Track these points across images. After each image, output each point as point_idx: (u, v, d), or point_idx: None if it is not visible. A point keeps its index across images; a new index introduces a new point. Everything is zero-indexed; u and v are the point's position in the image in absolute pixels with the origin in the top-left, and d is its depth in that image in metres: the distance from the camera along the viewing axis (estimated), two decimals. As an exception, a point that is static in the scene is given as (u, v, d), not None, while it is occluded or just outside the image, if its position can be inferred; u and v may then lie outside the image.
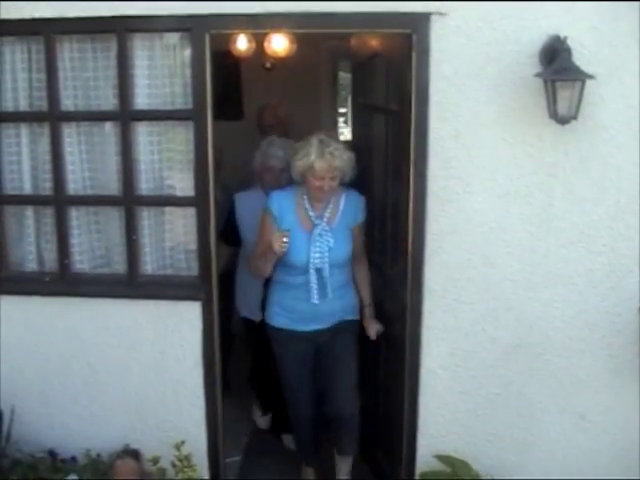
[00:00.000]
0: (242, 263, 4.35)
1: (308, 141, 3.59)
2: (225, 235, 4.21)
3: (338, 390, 3.83)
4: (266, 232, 3.68)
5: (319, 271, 3.64)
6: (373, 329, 3.82)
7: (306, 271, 3.64)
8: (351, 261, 3.81)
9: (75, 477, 3.66)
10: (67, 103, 3.69)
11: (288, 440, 4.48)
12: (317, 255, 3.62)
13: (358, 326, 3.87)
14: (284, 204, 3.68)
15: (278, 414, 4.55)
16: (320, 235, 3.64)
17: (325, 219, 3.67)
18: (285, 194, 3.73)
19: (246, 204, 4.22)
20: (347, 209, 3.73)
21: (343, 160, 3.57)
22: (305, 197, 3.68)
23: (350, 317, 3.84)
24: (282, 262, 3.67)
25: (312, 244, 3.62)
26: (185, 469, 3.65)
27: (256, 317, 4.21)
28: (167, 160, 3.73)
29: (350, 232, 3.75)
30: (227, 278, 4.40)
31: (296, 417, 4.03)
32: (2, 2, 3.49)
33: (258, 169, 4.24)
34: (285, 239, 3.51)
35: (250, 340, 4.60)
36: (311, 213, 3.67)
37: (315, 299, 3.65)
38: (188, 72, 3.56)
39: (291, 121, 5.18)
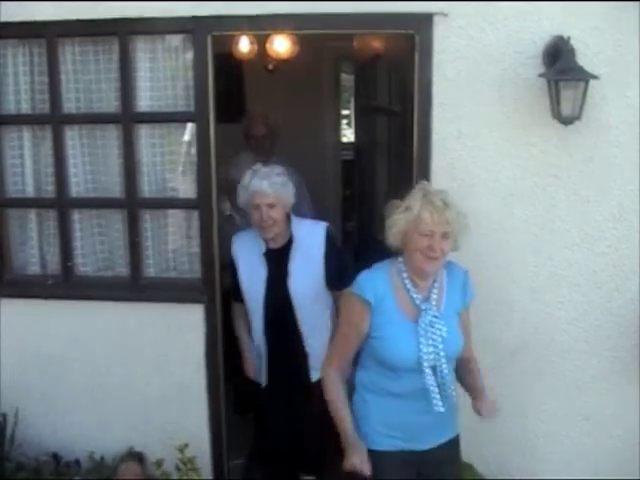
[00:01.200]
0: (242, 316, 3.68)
1: (409, 194, 2.83)
2: (233, 288, 3.63)
3: None
4: (354, 327, 2.82)
5: (434, 370, 2.76)
6: (487, 405, 2.80)
7: (414, 373, 2.76)
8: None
9: (79, 480, 3.67)
10: (69, 106, 3.69)
11: None
12: (430, 350, 2.74)
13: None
14: (380, 287, 2.79)
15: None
16: (431, 324, 2.76)
17: (434, 302, 2.82)
18: (378, 273, 2.85)
19: (243, 247, 3.54)
20: (452, 288, 2.90)
21: (457, 214, 2.76)
22: (404, 275, 2.81)
23: (457, 430, 3.03)
24: (378, 362, 2.82)
25: (422, 336, 2.75)
26: (189, 472, 3.64)
27: (262, 381, 3.63)
28: (169, 162, 3.73)
29: (459, 317, 2.93)
30: None
31: None
32: (3, 4, 3.49)
33: (245, 208, 3.51)
34: (365, 469, 2.69)
35: (252, 402, 3.88)
36: (415, 295, 2.79)
37: (440, 406, 2.75)
38: (190, 74, 3.56)
39: (279, 129, 4.78)
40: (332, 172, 6.94)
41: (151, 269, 3.81)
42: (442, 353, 2.75)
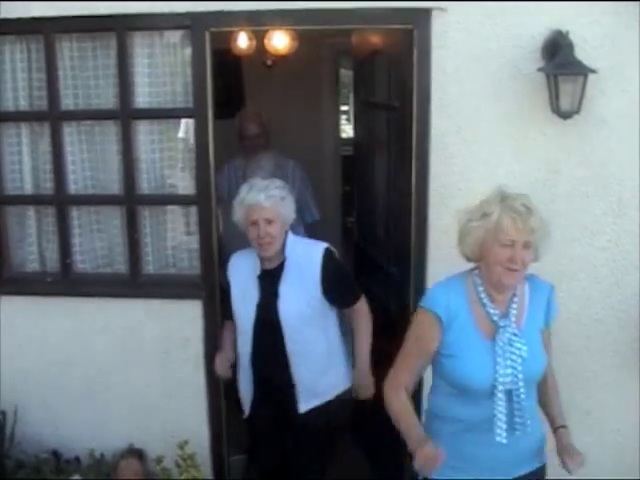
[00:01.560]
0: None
1: (485, 199, 2.58)
2: (225, 307, 3.47)
3: None
4: (418, 343, 2.58)
5: (509, 395, 2.49)
6: (575, 462, 2.56)
7: (488, 398, 2.49)
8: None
9: (79, 478, 3.65)
10: (67, 102, 3.68)
11: None
12: (508, 372, 2.47)
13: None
14: (454, 301, 2.53)
15: None
16: (510, 343, 2.48)
17: (513, 318, 2.55)
18: (453, 286, 2.58)
19: (238, 269, 3.33)
20: (535, 303, 2.62)
21: (541, 221, 2.49)
22: (480, 288, 2.55)
23: (543, 461, 2.74)
24: (449, 384, 2.57)
25: (500, 356, 2.47)
26: (189, 469, 3.64)
27: (246, 411, 3.43)
28: (168, 159, 3.72)
29: (541, 336, 2.63)
30: None
31: None
32: (2, 1, 3.48)
33: (243, 225, 3.24)
34: (438, 459, 2.32)
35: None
36: (492, 310, 2.52)
37: (503, 437, 2.48)
38: (188, 70, 3.55)
39: (272, 126, 4.71)
40: (332, 168, 6.92)
41: (150, 266, 3.81)
42: (520, 375, 2.48)
